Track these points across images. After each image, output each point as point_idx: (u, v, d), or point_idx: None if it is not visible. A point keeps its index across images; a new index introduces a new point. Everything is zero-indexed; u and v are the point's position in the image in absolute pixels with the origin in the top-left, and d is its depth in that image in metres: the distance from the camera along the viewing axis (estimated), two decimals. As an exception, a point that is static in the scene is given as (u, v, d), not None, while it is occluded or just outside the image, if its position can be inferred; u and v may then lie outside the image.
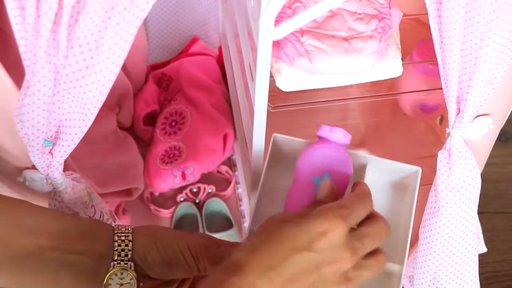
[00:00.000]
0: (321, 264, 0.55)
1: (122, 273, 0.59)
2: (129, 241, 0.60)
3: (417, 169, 0.71)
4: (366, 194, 0.63)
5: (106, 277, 0.59)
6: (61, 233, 0.60)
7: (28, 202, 0.62)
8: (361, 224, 0.60)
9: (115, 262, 0.59)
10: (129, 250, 0.60)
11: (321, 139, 0.72)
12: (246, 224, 1.10)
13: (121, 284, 0.59)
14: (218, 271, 0.54)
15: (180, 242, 0.62)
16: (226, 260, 0.55)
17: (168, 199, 1.12)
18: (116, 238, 0.60)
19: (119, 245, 0.60)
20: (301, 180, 0.70)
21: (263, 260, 0.53)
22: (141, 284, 0.61)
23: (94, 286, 0.59)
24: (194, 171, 1.10)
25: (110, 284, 0.59)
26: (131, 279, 0.60)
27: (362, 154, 0.73)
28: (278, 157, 0.77)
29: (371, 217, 0.61)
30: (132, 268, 0.60)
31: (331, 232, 0.55)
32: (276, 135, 0.75)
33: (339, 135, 0.71)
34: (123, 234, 0.61)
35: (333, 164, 0.71)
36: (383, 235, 0.60)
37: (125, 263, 0.59)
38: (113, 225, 0.63)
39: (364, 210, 0.60)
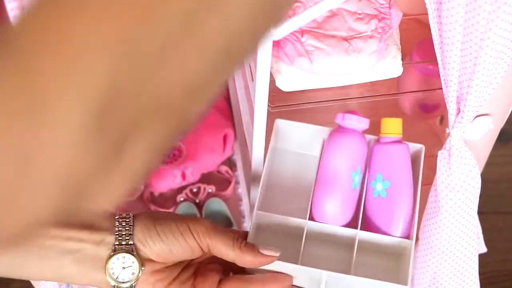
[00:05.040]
0: None
1: (124, 257, 0.60)
2: (130, 225, 0.61)
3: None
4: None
5: (109, 261, 0.60)
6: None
7: None
8: None
9: (116, 246, 0.60)
10: (130, 234, 0.61)
11: (346, 128, 0.73)
12: (246, 224, 1.10)
13: (124, 268, 0.60)
14: None
15: (180, 223, 0.62)
16: None
17: (168, 199, 1.11)
18: (116, 223, 0.61)
19: (120, 230, 0.61)
20: (339, 177, 0.71)
21: None
22: (143, 268, 0.61)
23: (98, 271, 0.60)
24: (194, 171, 1.10)
25: (112, 268, 0.60)
26: (133, 262, 0.60)
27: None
28: (281, 143, 0.77)
29: None
30: (134, 251, 0.60)
31: None
32: (279, 120, 0.76)
33: (364, 124, 0.73)
34: (124, 219, 0.61)
35: (363, 156, 0.73)
36: None
37: (126, 247, 0.60)
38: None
39: None
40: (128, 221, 0.61)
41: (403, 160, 0.74)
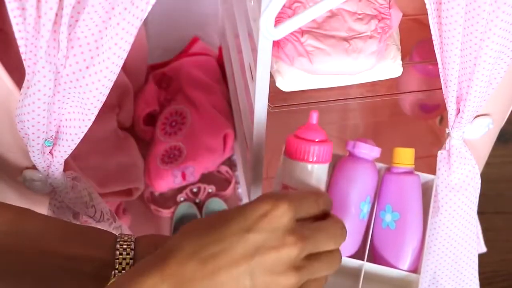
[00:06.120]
0: (261, 247, 0.50)
1: None
2: (131, 249, 0.60)
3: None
4: (321, 193, 0.59)
5: (108, 284, 0.59)
6: (64, 241, 0.60)
7: (31, 211, 0.62)
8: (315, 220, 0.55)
9: (116, 271, 0.59)
10: (131, 259, 0.60)
11: (356, 157, 0.72)
12: (246, 224, 1.10)
13: None
14: (147, 260, 0.52)
15: None
16: (161, 246, 0.52)
17: (168, 199, 1.12)
18: (118, 246, 0.60)
19: (121, 254, 0.60)
20: (347, 206, 0.70)
21: (196, 242, 0.50)
22: None
23: None
24: (194, 171, 1.10)
25: None
26: None
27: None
28: None
29: (327, 217, 0.56)
30: None
31: (273, 212, 0.51)
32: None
33: (376, 153, 0.72)
34: (125, 243, 0.61)
35: (373, 185, 0.72)
36: (339, 236, 0.55)
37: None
38: (117, 234, 0.63)
39: (317, 205, 0.56)
40: (130, 245, 0.60)
41: (414, 192, 0.73)
